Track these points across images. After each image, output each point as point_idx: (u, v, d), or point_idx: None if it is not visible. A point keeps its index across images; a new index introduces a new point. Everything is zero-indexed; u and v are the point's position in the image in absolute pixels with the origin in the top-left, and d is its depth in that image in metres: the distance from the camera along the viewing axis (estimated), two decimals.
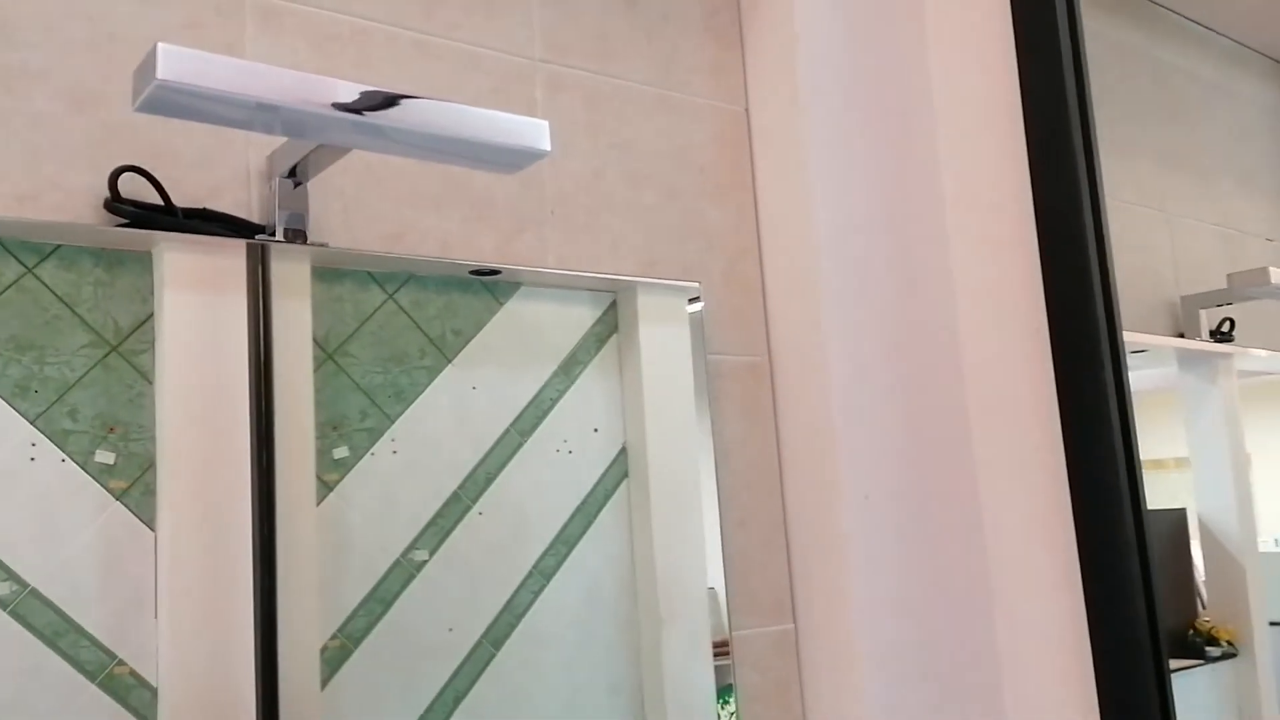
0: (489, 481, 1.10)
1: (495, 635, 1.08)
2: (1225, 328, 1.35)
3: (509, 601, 1.10)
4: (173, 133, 0.80)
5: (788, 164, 0.93)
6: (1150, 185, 1.29)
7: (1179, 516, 1.96)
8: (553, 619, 1.12)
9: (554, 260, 1.02)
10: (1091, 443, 0.94)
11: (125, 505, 0.87)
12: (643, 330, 1.22)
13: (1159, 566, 1.90)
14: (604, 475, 1.19)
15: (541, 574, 1.12)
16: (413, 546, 1.04)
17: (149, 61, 0.59)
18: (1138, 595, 1.01)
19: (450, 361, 1.09)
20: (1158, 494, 1.98)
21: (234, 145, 0.82)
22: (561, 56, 0.92)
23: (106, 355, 0.86)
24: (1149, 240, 1.27)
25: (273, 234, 0.86)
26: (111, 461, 0.86)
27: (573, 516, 1.15)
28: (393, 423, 1.04)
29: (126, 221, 0.79)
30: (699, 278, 1.13)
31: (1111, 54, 1.25)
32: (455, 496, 1.08)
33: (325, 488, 0.98)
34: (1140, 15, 1.30)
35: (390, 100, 0.68)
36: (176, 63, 0.58)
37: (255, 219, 0.84)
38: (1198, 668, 1.88)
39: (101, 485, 0.86)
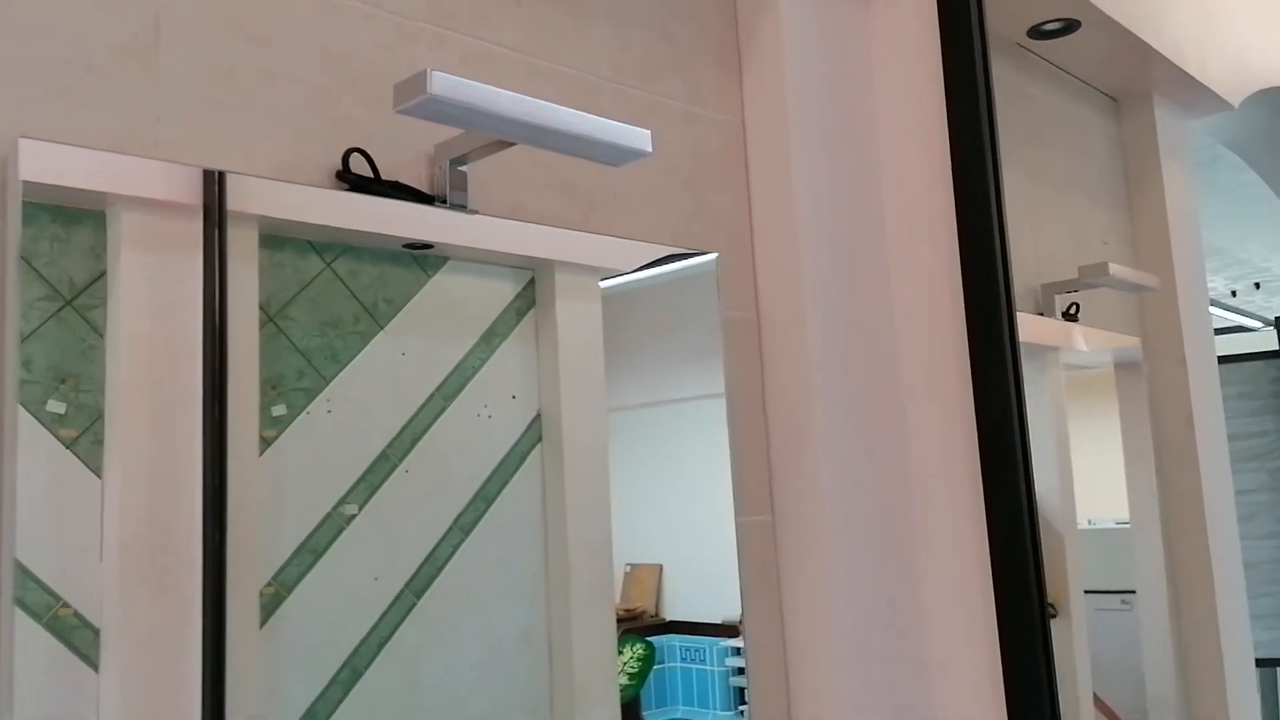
0: (415, 442, 1.17)
1: (417, 585, 1.16)
2: (1073, 310, 1.64)
3: (430, 554, 1.18)
4: (375, 126, 1.01)
5: (774, 164, 1.25)
6: (1018, 193, 1.54)
7: None
8: (470, 571, 1.20)
9: (614, 228, 1.24)
10: (991, 365, 1.17)
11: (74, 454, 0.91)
12: (559, 306, 1.31)
13: None
14: (520, 439, 1.28)
15: (461, 529, 1.21)
16: (343, 501, 1.11)
17: (419, 80, 0.84)
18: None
19: (382, 328, 1.16)
20: None
21: (413, 136, 1.04)
22: (620, 77, 1.21)
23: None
24: (1017, 238, 1.53)
25: (444, 203, 1.09)
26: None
27: (491, 476, 1.24)
28: (328, 384, 1.10)
29: (347, 186, 1.01)
30: (713, 249, 1.36)
31: (996, 88, 1.47)
32: (384, 455, 1.15)
33: (264, 443, 1.04)
34: (1011, 56, 1.58)
35: (554, 112, 0.93)
36: (439, 83, 0.86)
37: (428, 191, 1.09)
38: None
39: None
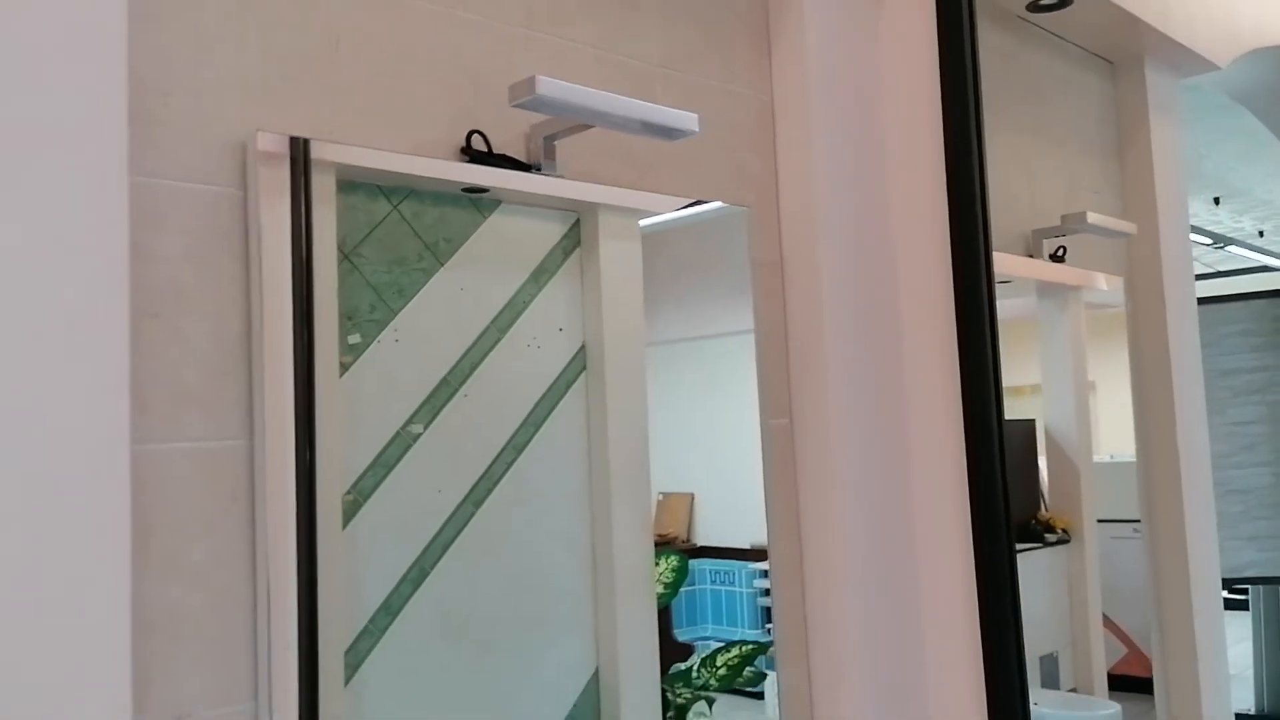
0: (472, 369, 1.30)
1: (475, 497, 1.29)
2: (1060, 253, 1.86)
3: (487, 470, 1.30)
4: (486, 112, 1.22)
5: (797, 131, 1.45)
6: (1015, 149, 1.79)
7: (1029, 426, 2.30)
8: (522, 486, 1.33)
9: (665, 187, 1.43)
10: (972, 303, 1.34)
11: None
12: (602, 245, 1.42)
13: (1011, 468, 2.23)
14: (566, 368, 1.40)
15: (514, 448, 1.33)
16: (410, 421, 1.24)
17: (529, 83, 1.08)
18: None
19: (442, 265, 1.27)
20: (1014, 412, 2.31)
21: (515, 121, 1.24)
22: (668, 64, 1.40)
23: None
24: (1012, 189, 1.79)
25: (538, 170, 1.29)
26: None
27: (540, 401, 1.36)
28: (395, 315, 1.22)
29: (469, 159, 1.23)
30: (745, 203, 1.53)
31: (996, 56, 1.78)
32: (445, 381, 1.27)
33: (343, 368, 1.16)
34: (1014, 28, 1.82)
35: (624, 102, 1.15)
36: (544, 86, 1.09)
37: (526, 161, 1.29)
38: (1037, 550, 2.25)
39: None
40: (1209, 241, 5.96)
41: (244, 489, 1.02)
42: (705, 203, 1.55)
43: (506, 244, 1.34)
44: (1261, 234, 3.31)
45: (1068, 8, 1.72)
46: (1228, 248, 6.14)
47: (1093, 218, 1.81)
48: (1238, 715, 4.70)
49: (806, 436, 1.41)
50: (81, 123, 0.78)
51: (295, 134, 1.08)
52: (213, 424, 0.99)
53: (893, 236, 1.45)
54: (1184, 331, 2.13)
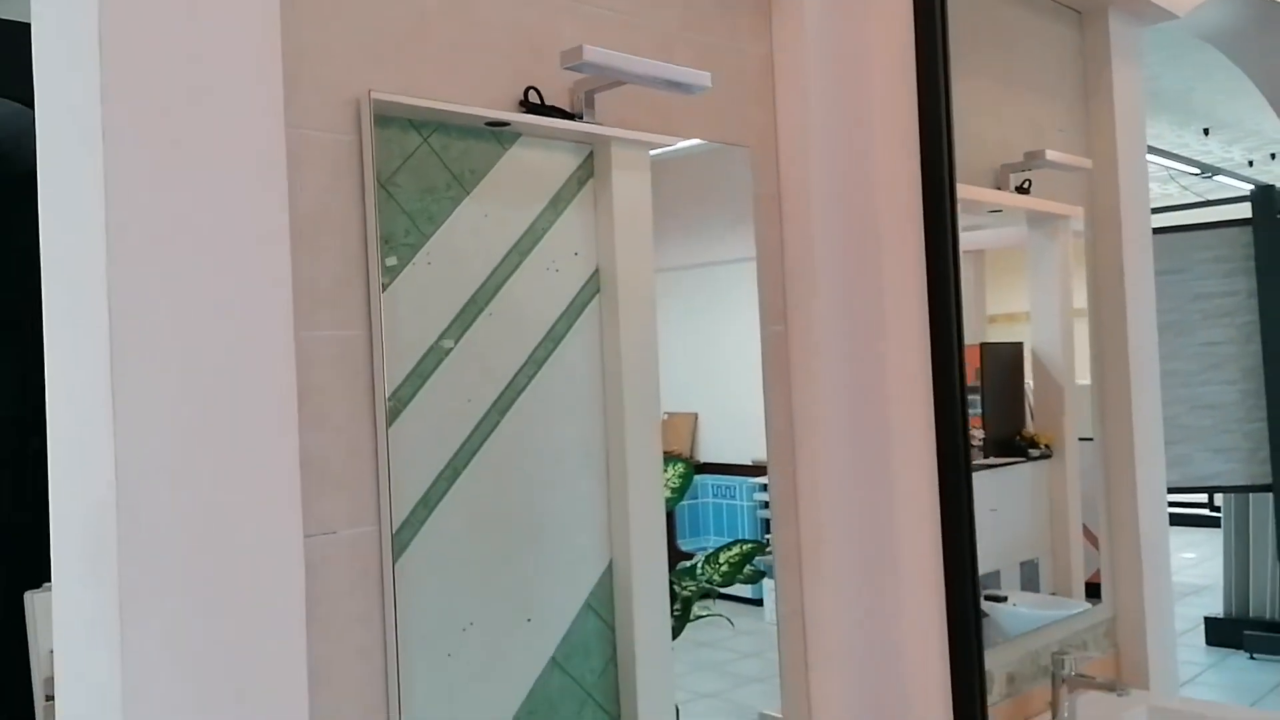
0: (497, 290, 1.42)
1: (500, 406, 1.42)
2: (1025, 185, 2.06)
3: (510, 382, 1.44)
4: (538, 70, 1.43)
5: (793, 83, 1.66)
6: (987, 94, 2.02)
7: (1017, 349, 2.43)
8: (542, 396, 1.47)
9: (685, 131, 1.61)
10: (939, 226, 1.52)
11: None
12: (615, 175, 1.53)
13: (1000, 387, 2.36)
14: (581, 290, 1.52)
15: (535, 363, 1.46)
16: (442, 336, 1.36)
17: (578, 50, 1.31)
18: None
19: (468, 194, 1.39)
20: (1006, 336, 2.43)
21: (563, 78, 1.45)
22: (686, 28, 1.61)
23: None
24: (986, 130, 2.00)
25: (581, 119, 1.47)
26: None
27: (558, 320, 1.49)
28: (427, 240, 1.34)
29: (525, 110, 1.42)
30: (748, 144, 1.72)
31: (972, 11, 2.00)
32: (472, 300, 1.39)
33: (382, 287, 1.29)
34: None
35: (652, 64, 1.38)
36: (589, 53, 1.31)
37: (570, 111, 1.48)
38: (1022, 464, 2.39)
39: None
40: (1197, 171, 6.04)
41: (365, 372, 1.25)
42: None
43: (526, 174, 1.45)
44: (1251, 164, 3.41)
45: None
46: (1216, 177, 6.23)
47: (1051, 154, 2.00)
48: (1208, 619, 4.97)
49: (798, 340, 1.65)
50: (252, 86, 1.01)
51: (389, 93, 1.28)
52: (342, 320, 1.23)
53: (873, 172, 1.66)
54: (1139, 259, 2.31)
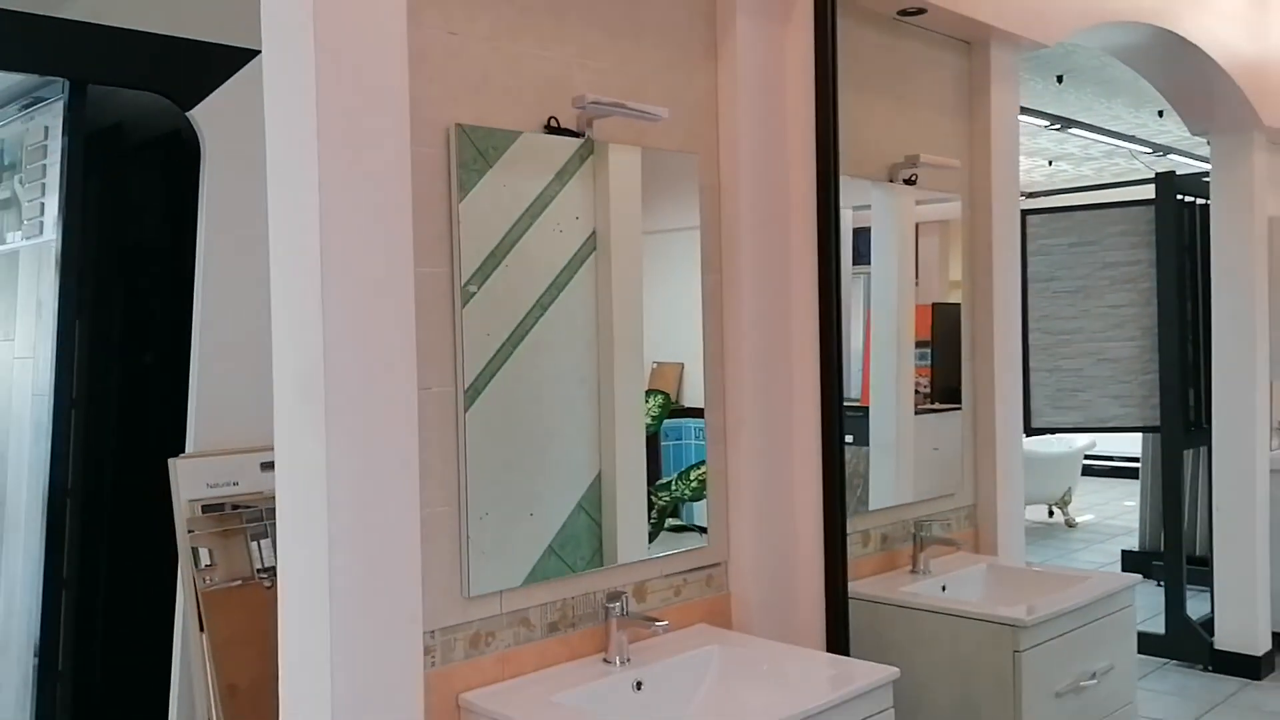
0: (512, 245, 1.74)
1: (514, 340, 1.75)
2: (912, 178, 2.64)
3: (521, 321, 1.76)
4: (554, 104, 1.87)
5: (731, 107, 2.18)
6: (884, 111, 2.64)
7: (956, 309, 2.77)
8: (547, 334, 1.79)
9: (655, 143, 2.04)
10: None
11: None
12: (611, 154, 1.85)
13: (945, 343, 2.71)
14: (581, 247, 1.84)
15: (540, 307, 1.78)
16: (469, 282, 1.68)
17: (584, 96, 1.81)
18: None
19: (490, 167, 1.70)
20: (952, 298, 2.77)
21: (572, 110, 1.88)
22: (656, 71, 2.11)
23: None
24: (879, 138, 2.62)
25: (583, 136, 1.88)
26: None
27: (561, 271, 1.81)
28: (459, 205, 1.66)
29: (548, 132, 1.83)
30: (698, 152, 2.15)
31: (876, 48, 2.59)
32: (493, 253, 1.71)
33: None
34: (890, 27, 2.63)
35: (631, 104, 1.86)
36: (591, 98, 1.82)
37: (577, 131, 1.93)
38: (958, 410, 2.76)
39: None
40: (1149, 150, 6.37)
41: (447, 296, 1.71)
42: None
43: (537, 152, 1.77)
44: (1209, 143, 3.80)
45: (924, 14, 2.55)
46: (1168, 156, 6.57)
47: (925, 157, 2.58)
48: (1124, 551, 5.47)
49: (729, 284, 2.16)
50: (394, 119, 1.54)
51: (467, 121, 1.74)
52: (434, 260, 1.69)
53: (784, 168, 2.24)
54: (1006, 241, 2.84)
